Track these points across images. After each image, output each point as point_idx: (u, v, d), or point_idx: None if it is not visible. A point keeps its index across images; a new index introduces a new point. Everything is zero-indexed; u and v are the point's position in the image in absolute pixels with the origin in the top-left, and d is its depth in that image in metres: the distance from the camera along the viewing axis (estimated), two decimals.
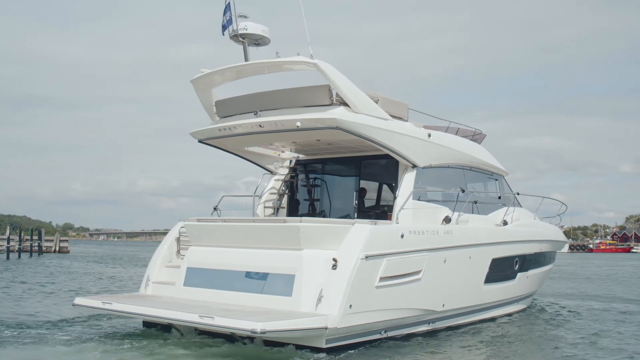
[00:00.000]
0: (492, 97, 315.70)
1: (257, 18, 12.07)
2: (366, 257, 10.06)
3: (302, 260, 10.21)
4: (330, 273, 9.95)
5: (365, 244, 10.13)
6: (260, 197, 14.18)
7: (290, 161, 14.51)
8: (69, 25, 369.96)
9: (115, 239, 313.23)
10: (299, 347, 9.74)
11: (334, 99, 11.26)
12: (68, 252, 63.62)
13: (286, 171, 14.40)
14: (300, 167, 14.44)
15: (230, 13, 11.82)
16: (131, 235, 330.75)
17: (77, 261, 44.89)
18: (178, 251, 12.56)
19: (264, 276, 10.58)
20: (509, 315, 14.65)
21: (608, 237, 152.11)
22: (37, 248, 56.21)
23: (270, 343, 9.79)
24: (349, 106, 11.21)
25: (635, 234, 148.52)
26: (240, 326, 8.99)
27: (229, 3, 11.81)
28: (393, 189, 12.86)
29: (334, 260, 10.01)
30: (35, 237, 58.61)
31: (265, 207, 14.13)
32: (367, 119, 11.33)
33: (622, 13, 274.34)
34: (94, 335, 10.93)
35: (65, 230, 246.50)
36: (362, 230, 10.32)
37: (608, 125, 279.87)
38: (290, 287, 10.16)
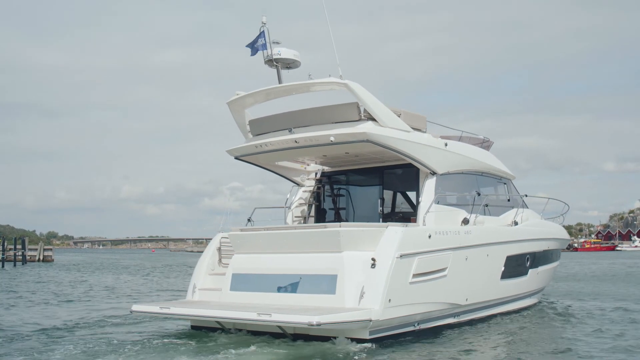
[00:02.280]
0: (474, 97, 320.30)
1: (286, 42, 13.23)
2: (401, 256, 11.18)
3: (343, 261, 11.30)
4: (369, 271, 11.05)
5: (400, 244, 11.26)
6: (289, 207, 15.26)
7: (316, 173, 15.63)
8: (50, 32, 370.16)
9: (100, 247, 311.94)
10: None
11: (362, 115, 12.43)
12: (52, 260, 63.53)
13: (312, 183, 15.52)
14: (325, 179, 15.58)
15: (264, 39, 12.98)
16: (116, 242, 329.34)
17: (76, 271, 45.31)
18: (220, 260, 13.61)
19: (307, 278, 11.63)
20: (523, 309, 15.81)
21: (592, 236, 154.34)
22: (20, 257, 56.07)
23: (311, 338, 10.84)
24: (376, 121, 12.39)
25: (619, 232, 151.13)
26: (297, 320, 10.07)
27: (263, 31, 12.98)
28: (416, 195, 13.98)
29: (373, 259, 11.11)
30: (19, 247, 58.44)
31: (294, 216, 15.22)
32: (392, 132, 12.52)
33: (602, 12, 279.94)
34: (146, 338, 11.78)
35: (49, 238, 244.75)
36: (395, 232, 11.47)
37: (590, 123, 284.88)
38: (334, 286, 11.23)
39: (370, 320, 10.54)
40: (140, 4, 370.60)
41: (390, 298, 10.88)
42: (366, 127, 12.20)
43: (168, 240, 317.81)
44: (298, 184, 15.55)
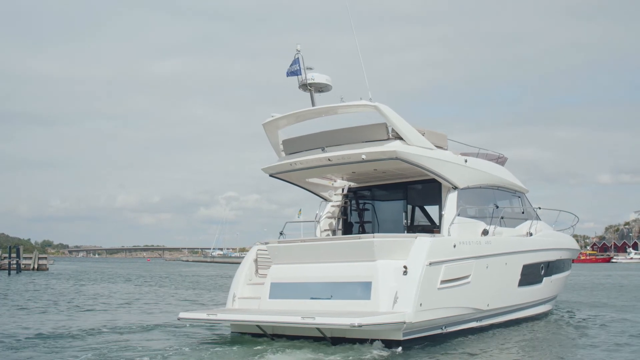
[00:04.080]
0: (470, 109, 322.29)
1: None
2: (430, 264, 12.17)
3: (377, 269, 12.26)
4: (402, 278, 12.01)
5: (429, 253, 12.25)
6: (318, 221, 16.26)
7: (342, 189, 16.65)
8: (47, 42, 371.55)
9: (96, 256, 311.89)
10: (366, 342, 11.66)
11: (390, 134, 13.48)
12: (47, 269, 63.57)
13: (339, 198, 16.53)
14: (351, 194, 16.60)
15: (299, 65, 14.05)
16: (111, 251, 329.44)
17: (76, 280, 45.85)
18: (256, 270, 14.57)
19: (342, 285, 12.59)
20: (538, 315, 16.83)
21: (588, 248, 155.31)
22: (15, 266, 56.11)
23: (347, 341, 11.74)
24: (403, 140, 13.43)
25: (614, 243, 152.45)
26: (340, 322, 11.02)
27: (297, 58, 14.05)
28: (438, 208, 14.99)
29: (405, 267, 12.08)
30: (13, 255, 58.45)
31: (322, 229, 16.21)
32: (419, 150, 13.57)
33: (598, 25, 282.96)
34: (192, 343, 12.72)
35: (44, 247, 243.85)
36: (424, 242, 12.47)
37: (586, 135, 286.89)
38: (368, 292, 12.19)
39: (404, 323, 11.49)
40: (138, 14, 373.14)
41: (421, 302, 11.83)
42: (395, 146, 13.24)
43: (163, 249, 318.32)
44: (326, 199, 16.57)
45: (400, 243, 12.63)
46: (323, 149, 13.94)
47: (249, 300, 13.98)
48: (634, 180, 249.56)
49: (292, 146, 14.78)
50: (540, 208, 17.90)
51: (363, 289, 12.28)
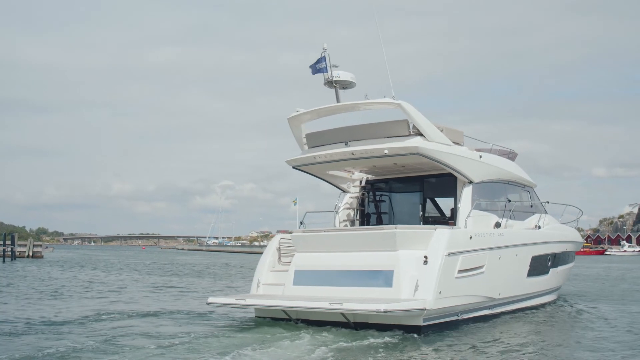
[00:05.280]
0: (466, 102, 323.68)
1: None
2: (449, 254, 12.89)
3: (399, 258, 12.98)
4: (422, 267, 12.73)
5: (447, 244, 12.97)
6: (337, 212, 16.97)
7: (360, 181, 17.35)
8: (42, 29, 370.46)
9: (91, 244, 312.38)
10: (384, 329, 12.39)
11: (412, 131, 14.17)
12: (42, 257, 63.92)
13: (356, 189, 17.23)
14: (368, 186, 17.31)
15: (325, 63, 14.72)
16: (106, 239, 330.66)
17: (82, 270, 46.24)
18: (279, 258, 15.28)
19: (365, 273, 13.29)
20: (545, 304, 17.62)
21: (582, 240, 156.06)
22: (10, 253, 56.78)
23: (370, 326, 12.45)
24: (423, 136, 14.12)
25: (608, 236, 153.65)
26: (367, 308, 11.75)
27: (324, 56, 14.72)
28: (454, 201, 15.72)
29: (425, 257, 12.80)
30: (8, 242, 58.93)
31: (341, 220, 16.91)
32: (438, 146, 14.28)
33: (593, 20, 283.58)
34: (223, 327, 13.43)
35: (39, 234, 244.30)
36: (443, 233, 13.19)
37: (581, 129, 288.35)
38: (390, 280, 12.91)
39: (425, 309, 12.22)
40: (133, 2, 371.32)
41: (441, 290, 12.56)
42: (417, 142, 13.94)
43: (159, 237, 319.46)
44: (344, 191, 17.27)
45: (421, 234, 13.34)
46: (346, 143, 14.62)
47: (272, 286, 14.69)
48: (629, 174, 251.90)
49: (316, 140, 15.45)
50: (548, 202, 18.70)
51: (385, 277, 12.98)
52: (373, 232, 13.72)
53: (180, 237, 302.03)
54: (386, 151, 14.04)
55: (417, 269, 12.78)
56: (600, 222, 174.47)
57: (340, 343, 11.37)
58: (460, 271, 13.23)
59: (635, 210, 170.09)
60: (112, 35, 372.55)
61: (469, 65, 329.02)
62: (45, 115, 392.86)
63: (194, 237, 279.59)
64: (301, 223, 16.53)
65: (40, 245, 70.15)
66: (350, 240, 13.85)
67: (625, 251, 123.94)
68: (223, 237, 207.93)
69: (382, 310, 11.49)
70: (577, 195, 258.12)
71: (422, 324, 12.43)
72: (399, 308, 11.89)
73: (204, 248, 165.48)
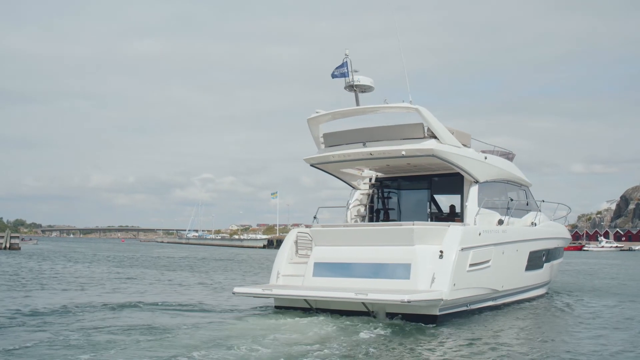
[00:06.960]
0: (445, 98, 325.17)
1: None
2: (462, 249, 13.92)
3: (416, 252, 13.95)
4: (438, 261, 13.71)
5: (461, 239, 14.00)
6: (348, 207, 17.96)
7: (370, 178, 18.35)
8: (24, 18, 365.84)
9: (70, 236, 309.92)
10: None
11: (426, 133, 15.19)
12: (19, 249, 63.70)
13: (366, 187, 18.23)
14: (378, 183, 18.32)
15: (347, 68, 15.67)
16: (85, 231, 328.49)
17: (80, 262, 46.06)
18: (297, 251, 16.22)
19: (383, 266, 14.25)
20: (538, 297, 18.77)
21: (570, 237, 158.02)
22: None
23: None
24: (437, 139, 15.15)
25: (586, 232, 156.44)
26: (392, 299, 12.73)
27: (346, 61, 15.68)
28: (461, 199, 16.78)
29: (441, 251, 13.82)
30: None
31: (352, 215, 17.89)
32: (450, 148, 15.34)
33: (575, 17, 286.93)
34: (246, 314, 14.37)
35: (16, 226, 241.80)
36: (457, 230, 14.23)
37: (560, 126, 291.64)
38: (408, 273, 13.88)
39: (442, 300, 13.25)
40: None
41: (455, 282, 13.58)
42: (432, 144, 14.99)
43: (138, 230, 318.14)
44: (354, 187, 18.26)
45: (436, 230, 14.37)
46: (364, 144, 15.63)
47: (291, 277, 15.61)
48: (607, 171, 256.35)
49: (333, 139, 16.41)
50: (543, 201, 19.91)
51: (403, 270, 13.95)
52: (391, 227, 14.71)
53: (159, 229, 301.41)
54: (403, 152, 15.05)
55: (433, 263, 13.75)
56: (579, 218, 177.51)
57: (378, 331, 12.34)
58: (471, 265, 14.26)
59: (613, 207, 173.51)
60: (93, 26, 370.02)
61: (450, 61, 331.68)
62: (25, 105, 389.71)
63: (173, 230, 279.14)
64: (315, 217, 17.47)
65: (18, 237, 69.23)
66: (368, 235, 14.80)
67: (602, 247, 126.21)
68: (203, 230, 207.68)
69: (405, 300, 12.46)
70: (556, 191, 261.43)
71: (438, 313, 13.42)
72: (421, 298, 12.88)
73: (183, 241, 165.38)
